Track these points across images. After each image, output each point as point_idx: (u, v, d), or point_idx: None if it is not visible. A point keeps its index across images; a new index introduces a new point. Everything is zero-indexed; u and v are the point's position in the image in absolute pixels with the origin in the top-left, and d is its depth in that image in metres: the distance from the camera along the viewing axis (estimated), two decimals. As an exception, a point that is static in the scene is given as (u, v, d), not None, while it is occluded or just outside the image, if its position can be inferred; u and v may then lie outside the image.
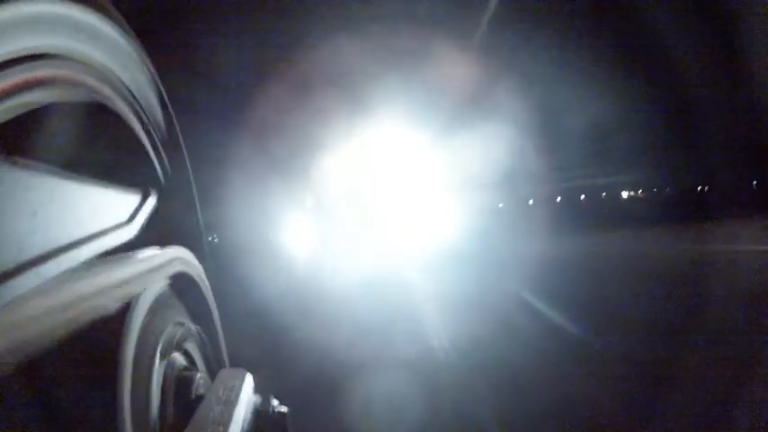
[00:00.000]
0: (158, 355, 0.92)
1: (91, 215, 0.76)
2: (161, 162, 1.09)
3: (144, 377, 0.85)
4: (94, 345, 0.74)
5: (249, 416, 1.00)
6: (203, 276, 1.21)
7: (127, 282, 0.80)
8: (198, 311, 1.19)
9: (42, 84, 0.68)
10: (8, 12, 0.59)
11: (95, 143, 0.89)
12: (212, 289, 1.26)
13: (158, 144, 1.07)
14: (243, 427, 0.91)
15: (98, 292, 0.72)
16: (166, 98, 1.09)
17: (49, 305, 0.60)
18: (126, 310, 0.80)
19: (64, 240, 0.68)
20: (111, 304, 0.77)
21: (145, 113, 0.99)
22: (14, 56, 0.60)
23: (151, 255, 0.93)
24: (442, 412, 3.54)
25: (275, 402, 1.16)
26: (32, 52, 0.64)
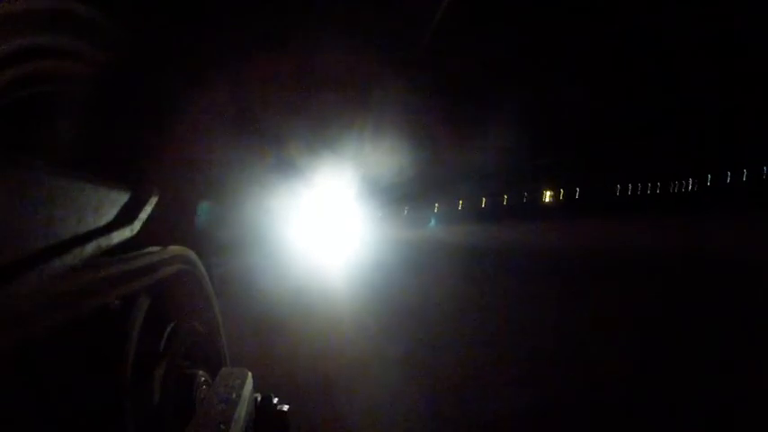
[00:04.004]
0: (160, 352, 0.92)
1: (93, 213, 0.76)
2: (164, 161, 1.09)
3: (145, 375, 0.85)
4: (96, 343, 0.74)
5: (250, 414, 1.00)
6: (204, 275, 1.21)
7: (128, 280, 0.80)
8: (199, 309, 1.19)
9: (45, 78, 0.68)
10: (11, 7, 0.59)
11: (98, 141, 0.89)
12: (213, 287, 1.26)
13: (161, 143, 1.07)
14: (244, 426, 0.91)
15: (99, 290, 0.72)
16: (170, 97, 1.09)
17: (50, 303, 0.60)
18: (127, 308, 0.80)
19: (65, 238, 0.68)
20: (113, 302, 0.77)
21: (149, 113, 0.99)
22: (19, 49, 0.61)
23: (152, 253, 0.93)
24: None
25: (276, 401, 1.16)
26: (37, 47, 0.64)
